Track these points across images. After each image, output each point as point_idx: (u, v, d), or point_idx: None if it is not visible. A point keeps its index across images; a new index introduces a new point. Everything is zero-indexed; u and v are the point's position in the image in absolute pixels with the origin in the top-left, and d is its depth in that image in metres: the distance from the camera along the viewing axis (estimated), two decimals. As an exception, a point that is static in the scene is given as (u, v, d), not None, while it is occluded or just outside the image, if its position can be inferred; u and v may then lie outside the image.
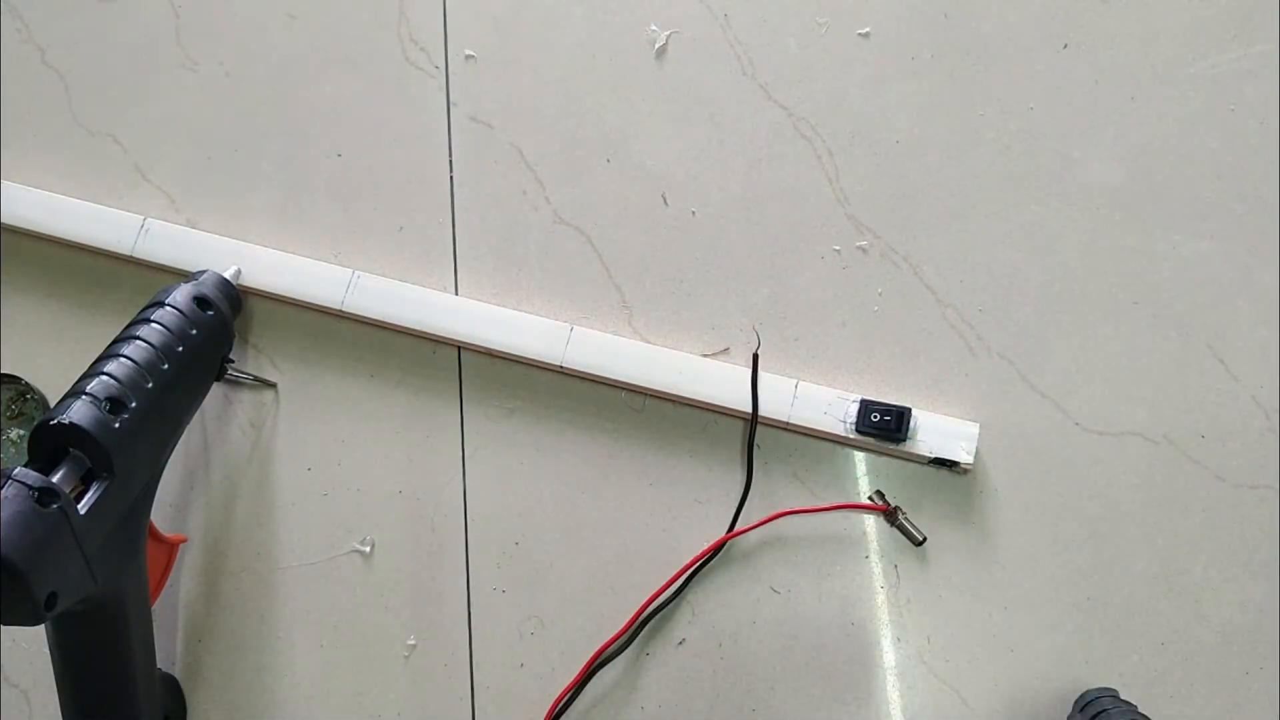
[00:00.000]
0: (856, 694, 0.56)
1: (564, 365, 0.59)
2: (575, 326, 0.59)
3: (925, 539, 0.55)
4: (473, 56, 0.64)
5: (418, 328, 0.61)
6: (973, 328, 0.58)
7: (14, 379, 0.64)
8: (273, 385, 0.63)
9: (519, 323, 0.60)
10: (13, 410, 0.64)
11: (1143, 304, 0.57)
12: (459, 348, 0.62)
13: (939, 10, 0.61)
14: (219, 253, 0.62)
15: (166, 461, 0.54)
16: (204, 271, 0.60)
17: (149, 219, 0.64)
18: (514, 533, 0.60)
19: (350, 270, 0.62)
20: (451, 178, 0.64)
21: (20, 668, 0.62)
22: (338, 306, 0.61)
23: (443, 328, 0.60)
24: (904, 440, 0.55)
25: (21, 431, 0.64)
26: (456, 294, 0.62)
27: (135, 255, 0.63)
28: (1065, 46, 0.60)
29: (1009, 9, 0.60)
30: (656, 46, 0.63)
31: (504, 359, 0.61)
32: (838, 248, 0.60)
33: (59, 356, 0.64)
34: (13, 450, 0.63)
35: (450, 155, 0.64)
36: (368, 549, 0.61)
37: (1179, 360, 0.57)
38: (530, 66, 0.64)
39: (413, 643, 0.60)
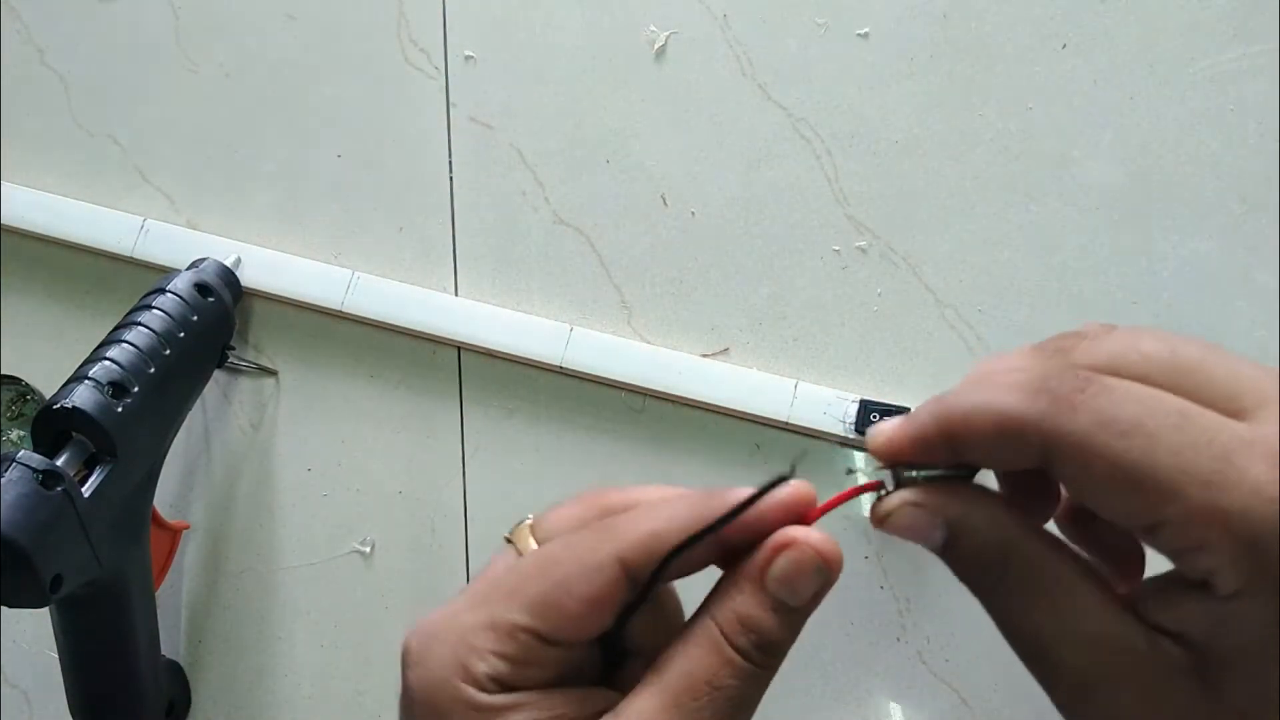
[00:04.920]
0: (856, 694, 0.56)
1: (564, 366, 0.59)
2: (575, 327, 0.59)
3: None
4: (472, 57, 0.64)
5: (418, 328, 0.61)
6: (972, 328, 0.58)
7: (14, 380, 0.64)
8: (274, 373, 0.63)
9: (519, 323, 0.60)
10: (13, 411, 0.64)
11: (1142, 304, 0.57)
12: (459, 348, 0.62)
13: (938, 10, 0.61)
14: (219, 253, 0.62)
15: (169, 447, 0.55)
16: (205, 259, 0.61)
17: (149, 220, 0.64)
18: (514, 533, 0.60)
19: (350, 271, 0.62)
20: (451, 178, 0.64)
21: (21, 669, 0.62)
22: (337, 307, 0.61)
23: (443, 328, 0.60)
24: (903, 440, 0.55)
25: (22, 433, 0.64)
26: (456, 294, 0.62)
27: (135, 256, 0.63)
28: (1064, 46, 0.60)
29: (1007, 9, 0.60)
30: (655, 47, 0.63)
31: (504, 359, 0.61)
32: (837, 248, 0.60)
33: (59, 358, 0.64)
34: (14, 452, 0.63)
35: (450, 156, 0.64)
36: (368, 549, 0.61)
37: (1178, 360, 0.57)
38: (530, 67, 0.64)
39: (413, 643, 0.60)
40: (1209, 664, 0.24)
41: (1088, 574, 0.26)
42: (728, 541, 0.27)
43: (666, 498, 0.28)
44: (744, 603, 0.27)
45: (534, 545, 0.29)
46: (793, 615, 0.27)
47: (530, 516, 0.31)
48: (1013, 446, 0.25)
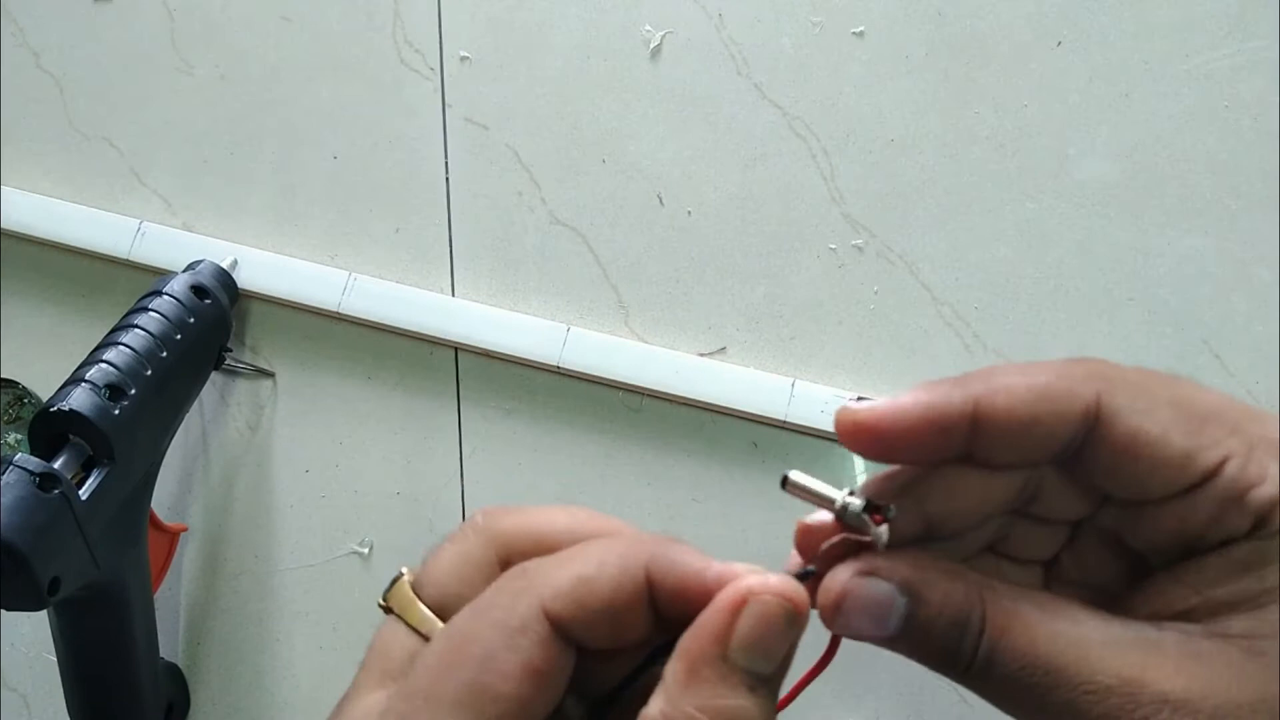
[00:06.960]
0: (856, 693, 0.56)
1: (561, 366, 0.59)
2: (572, 327, 0.59)
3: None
4: (467, 58, 0.64)
5: (415, 329, 0.61)
6: (969, 325, 0.58)
7: (11, 383, 0.64)
8: (271, 375, 0.63)
9: (516, 323, 0.60)
10: (10, 414, 0.64)
11: (1138, 300, 0.58)
12: (456, 349, 0.62)
13: (933, 9, 0.61)
14: (216, 255, 0.62)
15: (166, 449, 0.55)
16: (201, 261, 0.61)
17: (145, 222, 0.64)
18: (512, 533, 0.60)
19: (347, 272, 0.62)
20: (447, 179, 0.64)
21: (19, 672, 0.62)
22: (334, 308, 0.61)
23: (440, 329, 0.60)
24: (901, 438, 0.55)
25: (20, 436, 0.64)
26: (453, 295, 0.62)
27: (132, 259, 0.63)
28: (1059, 44, 0.60)
29: (1002, 7, 0.60)
30: (651, 47, 0.63)
31: (501, 360, 0.61)
32: (833, 246, 0.60)
33: (56, 360, 0.64)
34: (11, 455, 0.63)
35: (446, 157, 0.64)
36: (366, 551, 0.61)
37: (1175, 356, 0.57)
38: (525, 68, 0.64)
39: (411, 644, 0.60)
40: (1230, 622, 0.22)
41: (1064, 594, 0.24)
42: (661, 611, 0.23)
43: (581, 530, 0.24)
44: (713, 693, 0.21)
45: (422, 610, 0.25)
46: (771, 684, 0.22)
47: (404, 570, 0.25)
48: (1055, 418, 0.24)
